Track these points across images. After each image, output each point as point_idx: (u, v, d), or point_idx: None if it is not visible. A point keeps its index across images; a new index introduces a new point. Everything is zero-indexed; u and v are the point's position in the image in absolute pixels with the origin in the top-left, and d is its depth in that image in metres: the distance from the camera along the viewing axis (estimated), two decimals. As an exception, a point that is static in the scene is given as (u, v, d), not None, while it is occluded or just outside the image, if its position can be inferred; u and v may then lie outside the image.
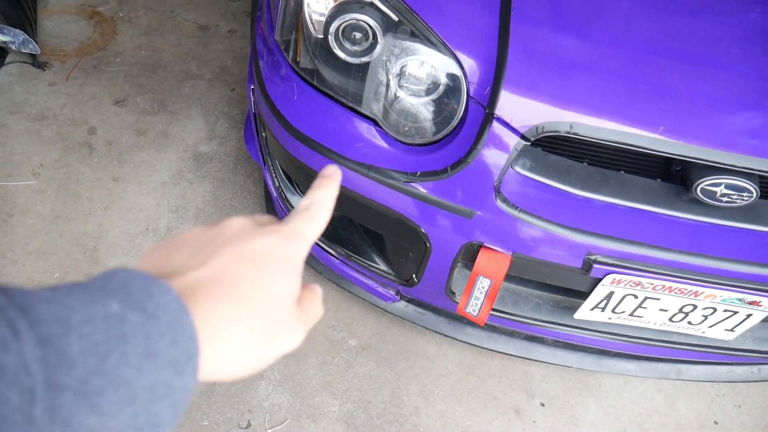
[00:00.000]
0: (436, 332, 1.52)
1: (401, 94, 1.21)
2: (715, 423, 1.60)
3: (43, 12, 2.25)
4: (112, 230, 1.71)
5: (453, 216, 1.21)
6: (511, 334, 1.54)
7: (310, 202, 0.44)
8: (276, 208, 1.62)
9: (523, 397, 1.57)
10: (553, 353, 1.54)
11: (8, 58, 2.05)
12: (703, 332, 1.37)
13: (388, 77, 1.20)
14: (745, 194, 1.16)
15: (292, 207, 1.49)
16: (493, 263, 1.24)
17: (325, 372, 1.53)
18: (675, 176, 1.27)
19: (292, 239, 0.40)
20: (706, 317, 1.31)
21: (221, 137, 1.99)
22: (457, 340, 1.51)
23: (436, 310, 1.54)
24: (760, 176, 1.15)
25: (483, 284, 1.26)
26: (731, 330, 1.35)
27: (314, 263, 1.59)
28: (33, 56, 2.06)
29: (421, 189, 1.20)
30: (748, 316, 1.29)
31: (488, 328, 1.54)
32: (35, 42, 1.98)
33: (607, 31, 1.17)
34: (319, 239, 1.49)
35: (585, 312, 1.34)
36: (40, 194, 1.74)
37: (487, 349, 1.51)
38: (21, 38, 1.94)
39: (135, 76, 2.11)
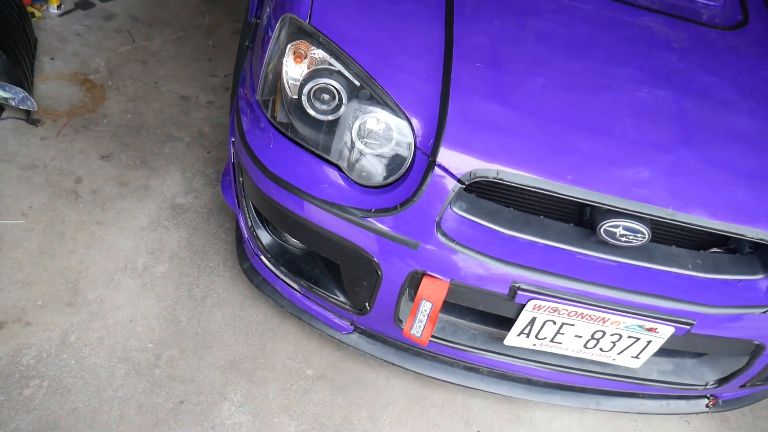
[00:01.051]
0: (385, 361, 1.71)
1: (360, 145, 1.47)
2: (633, 452, 1.80)
3: (39, 76, 2.48)
4: (93, 267, 1.87)
5: (401, 247, 1.44)
6: (452, 364, 1.74)
7: None
8: (246, 249, 1.82)
9: (461, 426, 1.74)
10: (488, 383, 1.73)
11: (4, 114, 2.26)
12: (614, 359, 1.59)
13: (351, 132, 1.46)
14: (639, 235, 1.43)
15: (262, 243, 1.69)
16: (434, 289, 1.46)
17: (283, 396, 1.69)
18: (586, 223, 1.54)
19: None
20: (614, 344, 1.54)
21: (197, 191, 2.20)
22: (402, 368, 1.70)
23: (385, 341, 1.73)
24: (651, 220, 1.43)
25: (425, 307, 1.47)
26: (636, 357, 1.58)
27: (278, 297, 1.77)
28: (28, 113, 2.28)
29: (375, 223, 1.43)
30: (648, 342, 1.53)
31: (430, 357, 1.74)
32: (33, 100, 2.19)
33: (527, 101, 1.47)
34: (284, 274, 1.69)
35: (513, 338, 1.55)
36: (28, 232, 1.91)
37: (430, 376, 1.70)
38: (21, 96, 2.16)
39: (120, 136, 2.33)
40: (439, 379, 1.70)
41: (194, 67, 2.80)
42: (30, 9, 2.75)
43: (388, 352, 1.72)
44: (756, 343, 1.56)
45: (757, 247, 1.58)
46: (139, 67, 2.70)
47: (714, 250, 1.61)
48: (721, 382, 1.70)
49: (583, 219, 1.53)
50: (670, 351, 1.72)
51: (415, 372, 1.71)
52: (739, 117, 1.59)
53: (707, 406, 1.85)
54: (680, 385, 1.70)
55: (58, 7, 2.88)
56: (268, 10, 1.70)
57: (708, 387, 1.71)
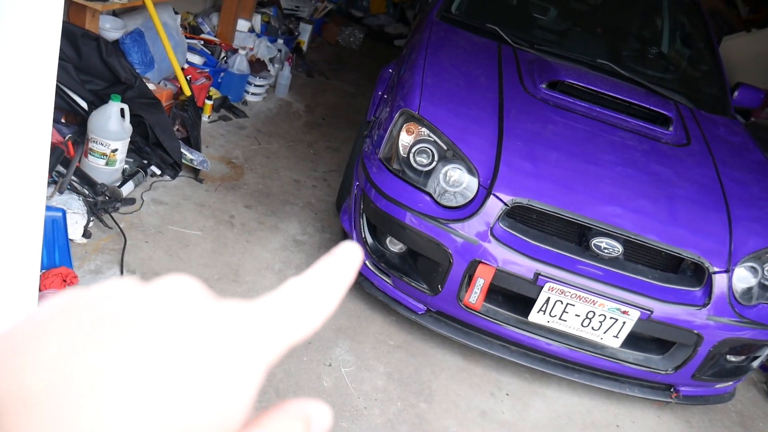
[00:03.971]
0: (446, 336, 2.50)
1: (445, 186, 2.42)
2: (617, 426, 2.49)
3: (202, 155, 3.53)
4: (246, 264, 2.75)
5: (467, 243, 2.33)
6: (490, 341, 2.52)
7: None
8: (353, 259, 2.70)
9: (495, 389, 2.48)
10: (516, 355, 2.50)
11: (181, 173, 3.27)
12: (601, 338, 2.39)
13: (439, 177, 2.42)
14: (615, 249, 2.32)
15: (369, 248, 2.57)
16: (486, 271, 2.32)
17: (375, 352, 2.47)
18: (582, 242, 2.42)
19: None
20: (601, 323, 2.35)
21: (310, 234, 3.12)
22: (458, 341, 2.49)
23: (446, 322, 2.54)
24: (624, 239, 2.32)
25: (480, 283, 2.32)
26: (616, 336, 2.37)
27: (374, 290, 2.62)
28: (196, 174, 3.29)
29: (453, 228, 2.33)
30: (624, 323, 2.33)
31: (476, 336, 2.52)
32: (208, 162, 3.22)
33: (547, 164, 2.44)
34: (382, 270, 2.56)
35: (534, 315, 2.37)
36: (204, 239, 2.82)
37: (475, 347, 2.48)
38: (201, 158, 3.19)
39: (256, 196, 3.32)
40: (481, 350, 2.48)
41: (301, 164, 3.86)
42: (193, 114, 3.89)
43: (449, 328, 2.52)
44: (696, 332, 2.35)
45: (694, 271, 2.43)
46: (264, 159, 3.77)
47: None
48: (677, 368, 2.45)
49: (581, 240, 2.42)
50: (644, 347, 2.50)
51: (465, 344, 2.49)
52: (678, 189, 2.54)
53: (671, 397, 2.56)
54: (649, 368, 2.45)
55: (209, 117, 4.04)
56: (387, 108, 2.75)
57: (668, 372, 2.46)
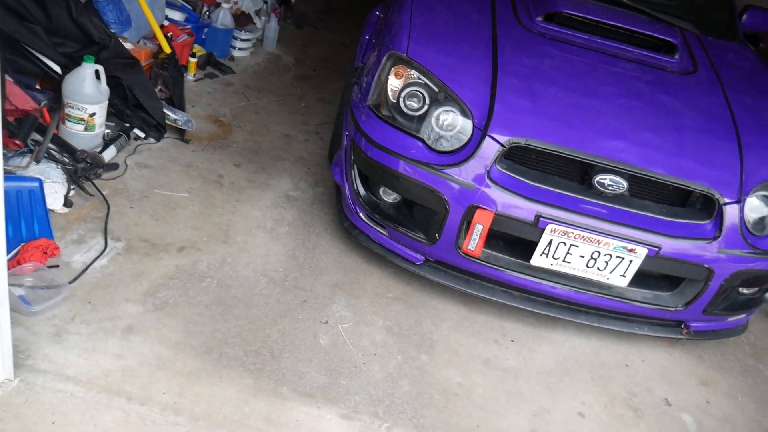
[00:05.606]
0: (446, 285, 2.41)
1: (438, 129, 2.29)
2: (627, 366, 2.42)
3: (187, 114, 3.40)
4: (237, 224, 2.65)
5: (463, 189, 2.21)
6: (492, 288, 2.43)
7: None
8: (347, 212, 2.60)
9: (499, 335, 2.41)
10: (519, 301, 2.42)
11: (166, 134, 3.15)
12: (608, 278, 2.29)
13: (431, 121, 2.29)
14: (619, 185, 2.20)
15: (362, 200, 2.46)
16: (484, 216, 2.21)
17: (373, 306, 2.39)
18: (584, 181, 2.29)
19: None
20: (606, 263, 2.25)
21: (302, 190, 3.02)
22: (458, 289, 2.40)
23: (446, 271, 2.45)
24: (628, 175, 2.19)
25: (478, 229, 2.22)
26: (623, 275, 2.27)
27: (369, 243, 2.52)
28: (182, 135, 3.17)
29: (448, 173, 2.21)
30: (630, 261, 2.23)
31: (477, 283, 2.43)
32: (193, 122, 3.09)
33: (545, 99, 2.30)
34: (377, 221, 2.45)
35: (536, 258, 2.27)
36: (192, 201, 2.72)
37: (477, 295, 2.39)
38: (185, 118, 3.06)
39: (245, 154, 3.20)
40: (483, 297, 2.39)
41: (292, 118, 3.73)
42: (177, 73, 3.75)
43: (448, 277, 2.43)
44: (706, 267, 2.25)
45: (704, 204, 2.31)
46: (253, 115, 3.63)
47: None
48: (688, 304, 2.36)
49: (583, 179, 2.30)
50: (652, 284, 2.40)
51: (466, 292, 2.41)
52: (685, 119, 2.40)
53: (682, 333, 2.48)
54: (658, 306, 2.36)
55: (194, 75, 3.88)
56: (375, 52, 2.60)
57: (678, 309, 2.37)
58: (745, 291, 2.47)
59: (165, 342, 1.98)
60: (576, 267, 2.28)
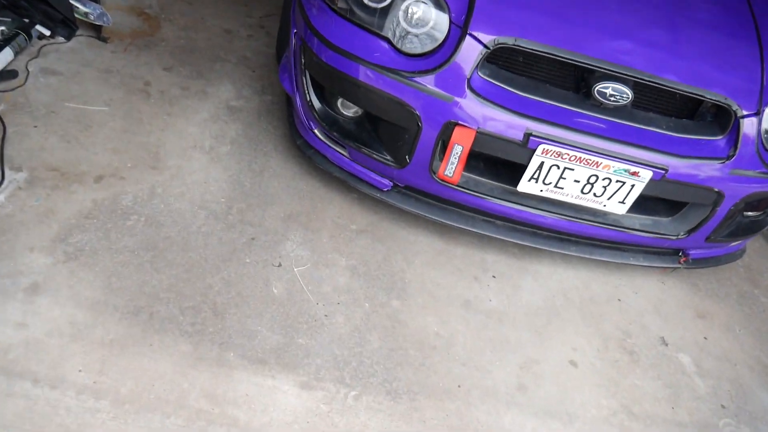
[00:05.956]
0: (418, 214, 2.08)
1: (406, 26, 1.85)
2: (618, 300, 2.18)
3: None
4: (168, 143, 2.22)
5: (438, 101, 1.82)
6: (472, 217, 2.11)
7: None
8: (299, 128, 2.19)
9: (480, 271, 2.12)
10: (502, 231, 2.11)
11: (78, 32, 2.60)
12: (604, 205, 1.98)
13: (398, 14, 1.84)
14: (624, 96, 1.83)
15: (317, 114, 2.05)
16: (464, 135, 1.84)
17: (333, 241, 2.05)
18: (581, 89, 1.92)
19: None
20: (605, 188, 1.93)
21: (247, 98, 2.56)
22: (432, 219, 2.07)
23: (418, 198, 2.10)
24: (634, 83, 1.82)
25: (457, 151, 1.85)
26: (623, 202, 1.96)
27: (327, 165, 2.14)
28: (99, 31, 2.62)
29: (419, 82, 1.81)
30: (632, 186, 1.92)
31: (455, 211, 2.11)
32: (108, 16, 2.55)
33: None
34: (336, 140, 2.06)
35: (524, 184, 1.93)
36: (111, 117, 2.25)
37: (455, 226, 2.07)
38: (99, 11, 2.51)
39: (177, 54, 2.69)
40: (461, 228, 2.08)
41: (233, 9, 3.17)
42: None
43: (421, 205, 2.09)
44: (716, 190, 1.96)
45: (716, 115, 1.98)
46: (185, 6, 3.07)
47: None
48: (690, 231, 2.10)
49: (579, 87, 1.92)
50: (650, 208, 2.12)
51: (442, 223, 2.08)
52: (699, 13, 2.01)
53: (680, 262, 2.24)
54: (657, 234, 2.09)
55: (111, -45, 3.24)
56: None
57: (680, 237, 2.11)
58: (749, 214, 2.20)
59: (81, 303, 1.62)
60: (569, 193, 1.96)
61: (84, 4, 2.51)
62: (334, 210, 2.18)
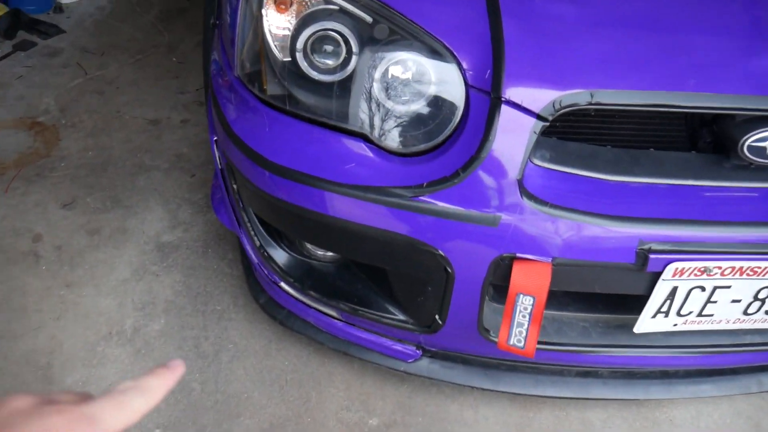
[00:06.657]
0: (472, 388, 1.27)
1: (388, 102, 1.05)
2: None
3: (-24, 129, 2.07)
4: (68, 341, 1.44)
5: (475, 227, 1.01)
6: (561, 372, 1.30)
7: (131, 386, 0.38)
8: (260, 279, 1.40)
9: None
10: (613, 387, 1.29)
11: (-62, 179, 1.84)
12: (779, 323, 1.16)
13: (371, 87, 1.04)
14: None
15: (278, 266, 1.26)
16: (532, 276, 1.03)
17: (347, 462, 1.25)
18: (706, 148, 1.11)
19: (80, 425, 0.33)
20: (783, 301, 1.11)
21: (185, 223, 1.78)
22: (497, 391, 1.26)
23: (466, 361, 1.29)
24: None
25: (525, 303, 1.04)
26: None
27: (312, 332, 1.34)
28: (-34, 172, 1.86)
29: (432, 202, 1.00)
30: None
31: (530, 370, 1.30)
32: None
33: (600, 4, 1.05)
34: (316, 299, 1.26)
35: (646, 322, 1.12)
36: (-21, 314, 1.48)
37: (535, 395, 1.26)
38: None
39: (83, 177, 1.92)
40: (546, 397, 1.27)
41: (159, 87, 2.39)
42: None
43: (474, 374, 1.28)
44: None
45: None
46: (95, 98, 2.29)
47: None
48: None
49: (698, 146, 1.11)
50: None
51: (513, 393, 1.28)
52: None
53: None
54: None
55: (-9, 51, 2.49)
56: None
57: None
58: None
59: None
60: (722, 319, 1.14)
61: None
62: (338, 395, 1.37)
